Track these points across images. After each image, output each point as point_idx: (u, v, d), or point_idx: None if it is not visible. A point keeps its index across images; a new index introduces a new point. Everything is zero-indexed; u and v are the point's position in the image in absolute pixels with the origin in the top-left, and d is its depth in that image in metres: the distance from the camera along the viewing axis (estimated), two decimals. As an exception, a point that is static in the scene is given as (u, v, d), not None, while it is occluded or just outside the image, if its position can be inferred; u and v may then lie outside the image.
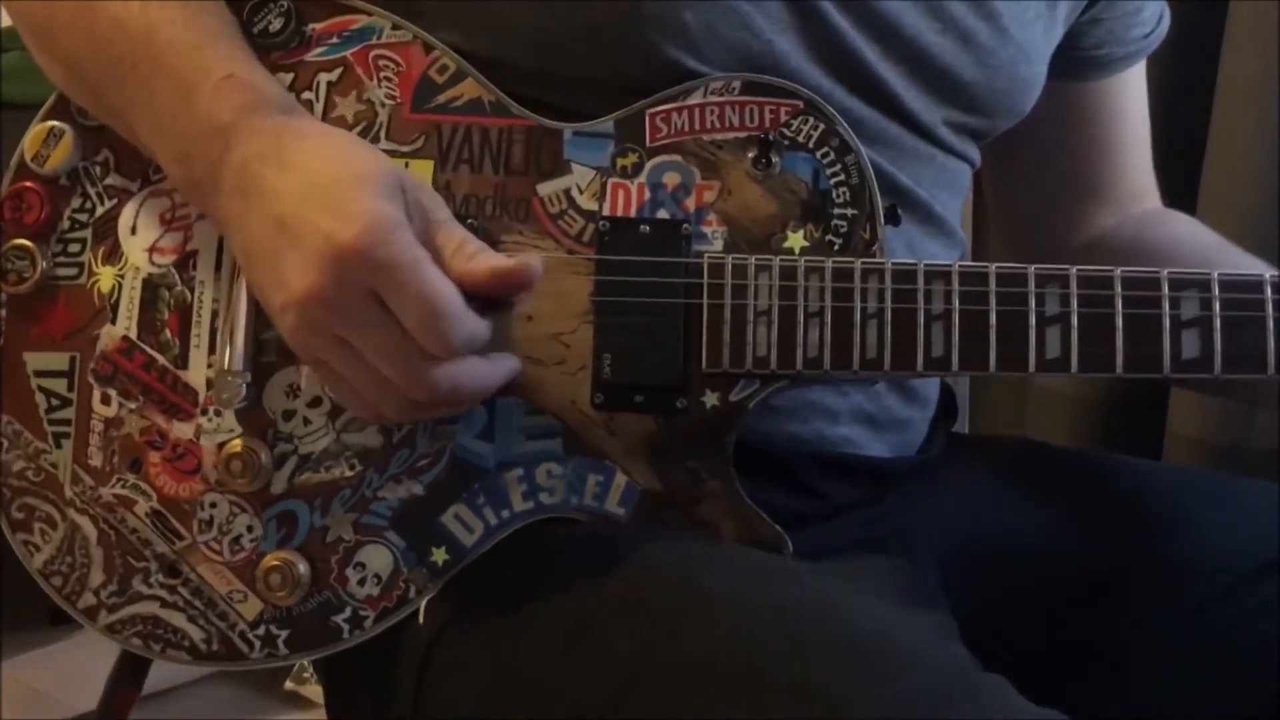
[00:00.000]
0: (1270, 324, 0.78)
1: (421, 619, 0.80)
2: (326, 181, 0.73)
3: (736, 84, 0.82)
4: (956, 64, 0.88)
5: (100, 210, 0.84)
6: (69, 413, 0.82)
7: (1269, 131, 1.30)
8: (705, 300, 0.80)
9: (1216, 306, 0.78)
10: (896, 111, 0.87)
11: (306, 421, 0.81)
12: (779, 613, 0.71)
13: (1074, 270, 0.79)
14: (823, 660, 0.67)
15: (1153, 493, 0.92)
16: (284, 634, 0.80)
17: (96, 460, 0.82)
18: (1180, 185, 1.19)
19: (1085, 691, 0.68)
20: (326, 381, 0.78)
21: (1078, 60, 0.99)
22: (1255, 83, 1.30)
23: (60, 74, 0.83)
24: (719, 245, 0.81)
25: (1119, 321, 0.79)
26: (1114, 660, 0.86)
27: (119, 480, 0.82)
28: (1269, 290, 0.78)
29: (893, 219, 0.83)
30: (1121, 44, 1.02)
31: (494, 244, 0.79)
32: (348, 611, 0.80)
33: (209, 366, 0.81)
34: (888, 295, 0.80)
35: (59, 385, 0.83)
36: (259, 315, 0.79)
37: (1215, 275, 0.78)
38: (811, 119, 0.82)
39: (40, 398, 0.82)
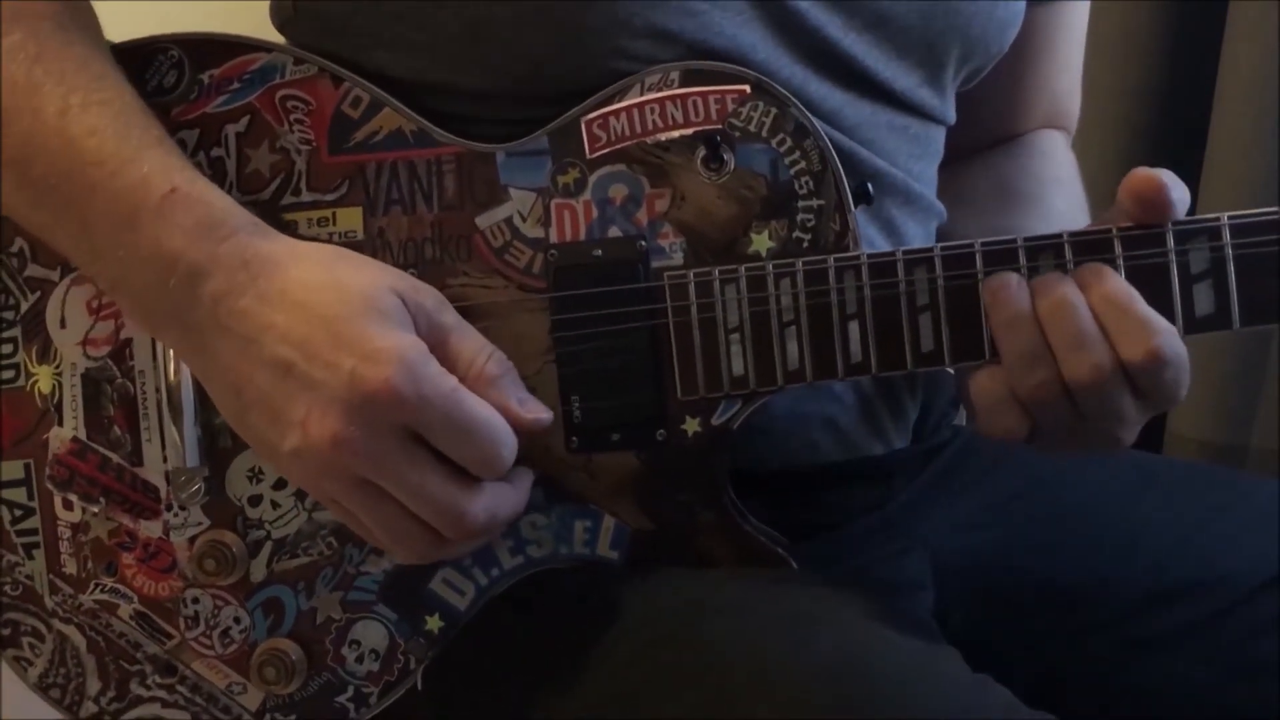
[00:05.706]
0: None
1: (420, 685, 0.77)
2: (327, 316, 0.67)
3: (675, 74, 0.74)
4: (924, 19, 0.79)
5: (25, 305, 0.78)
6: (34, 522, 0.79)
7: (1269, 130, 1.23)
8: (671, 323, 0.74)
9: (1229, 252, 0.72)
10: (871, 87, 0.79)
11: (275, 505, 0.77)
12: (825, 666, 0.67)
13: (1066, 235, 0.73)
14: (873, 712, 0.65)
15: (1155, 501, 0.87)
16: (290, 720, 0.78)
17: (71, 568, 0.79)
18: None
19: (1083, 711, 0.65)
20: (342, 517, 0.72)
21: None
22: (1255, 81, 1.24)
23: None
24: (679, 258, 0.75)
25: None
26: (1112, 679, 0.83)
27: (97, 586, 0.79)
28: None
29: (864, 198, 0.76)
30: None
31: (440, 289, 0.73)
32: (350, 690, 0.77)
33: (164, 460, 0.77)
34: (866, 291, 0.73)
35: (19, 495, 0.79)
36: (204, 400, 0.75)
37: (1170, 227, 0.72)
38: (762, 104, 0.74)
39: (3, 510, 0.79)
